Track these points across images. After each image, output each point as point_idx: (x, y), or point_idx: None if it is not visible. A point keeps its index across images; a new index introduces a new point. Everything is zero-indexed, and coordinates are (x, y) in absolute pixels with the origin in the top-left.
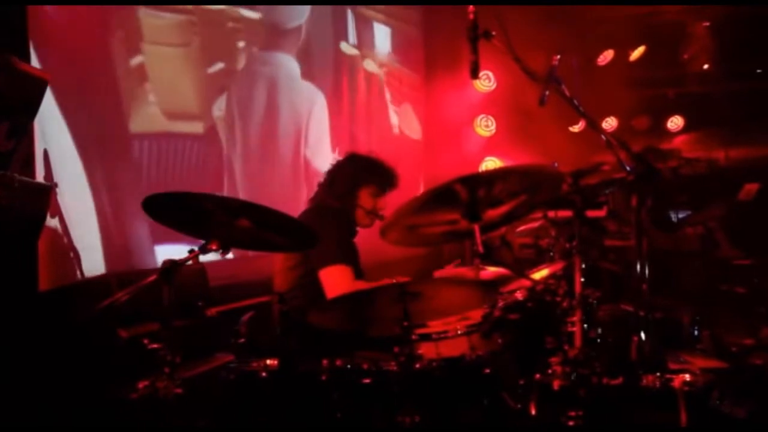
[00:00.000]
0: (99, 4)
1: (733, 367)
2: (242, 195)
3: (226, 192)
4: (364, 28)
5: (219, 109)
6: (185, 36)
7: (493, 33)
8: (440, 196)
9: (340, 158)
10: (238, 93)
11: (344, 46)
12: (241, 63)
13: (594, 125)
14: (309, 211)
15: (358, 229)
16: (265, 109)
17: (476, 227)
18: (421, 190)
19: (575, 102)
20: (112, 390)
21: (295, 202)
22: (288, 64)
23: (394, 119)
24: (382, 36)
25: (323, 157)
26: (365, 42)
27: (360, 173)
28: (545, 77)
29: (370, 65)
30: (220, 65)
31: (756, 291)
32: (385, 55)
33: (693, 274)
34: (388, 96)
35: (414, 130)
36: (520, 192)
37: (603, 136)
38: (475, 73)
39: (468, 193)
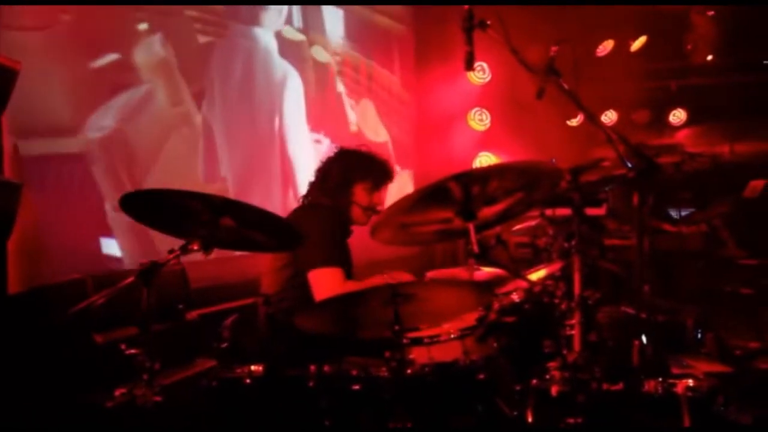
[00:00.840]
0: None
1: (738, 372)
2: (222, 167)
3: (201, 162)
4: (311, 11)
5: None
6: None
7: (489, 23)
8: (433, 194)
9: (330, 154)
10: (215, 64)
11: (287, 31)
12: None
13: (593, 119)
14: (300, 210)
15: (353, 228)
16: (241, 81)
17: (471, 226)
18: (412, 186)
19: (575, 95)
20: (87, 398)
21: (269, 174)
22: (265, 38)
23: (351, 115)
24: (334, 20)
25: (300, 135)
26: (313, 26)
27: (353, 168)
28: (543, 69)
29: (319, 53)
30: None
31: (762, 292)
32: (338, 43)
33: (696, 274)
34: (342, 88)
35: (375, 131)
36: (516, 189)
37: (603, 131)
38: (470, 65)
39: (462, 191)
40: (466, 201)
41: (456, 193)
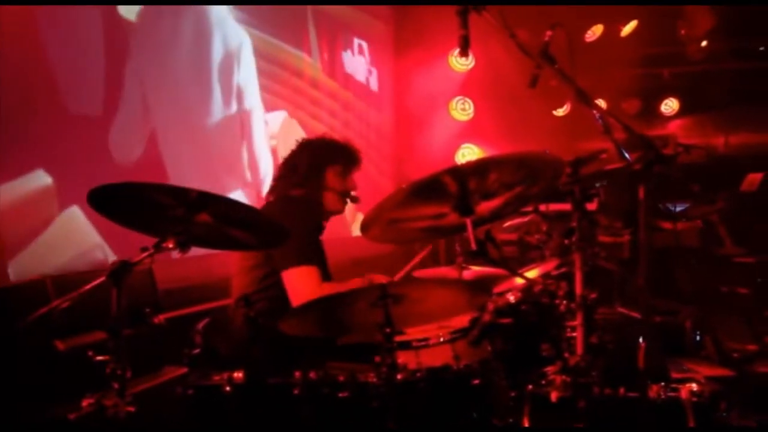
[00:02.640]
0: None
1: (739, 376)
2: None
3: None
4: None
5: None
6: None
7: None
8: (426, 188)
9: (293, 147)
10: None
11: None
12: None
13: (597, 108)
14: (271, 205)
15: (325, 224)
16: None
17: (468, 221)
18: (392, 178)
19: (575, 83)
20: (49, 410)
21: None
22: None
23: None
24: None
25: (254, 102)
26: None
27: (321, 154)
28: (538, 55)
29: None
30: None
31: (759, 292)
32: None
33: (691, 272)
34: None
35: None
36: (515, 183)
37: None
38: (465, 50)
39: (458, 185)
40: (462, 195)
41: (451, 187)
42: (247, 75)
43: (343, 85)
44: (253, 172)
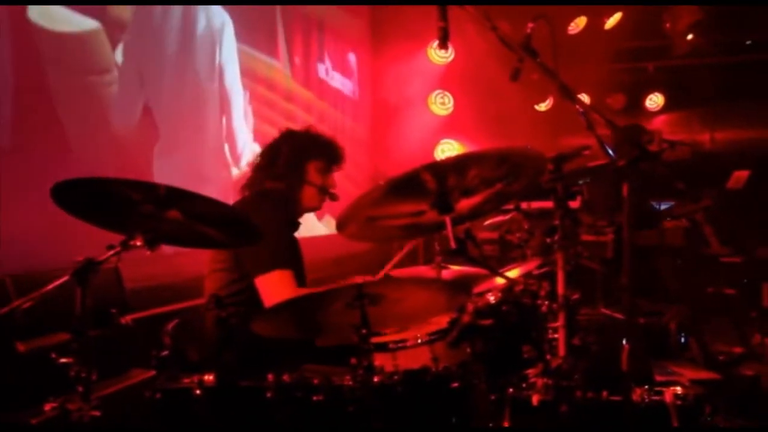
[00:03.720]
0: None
1: (724, 379)
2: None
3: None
4: None
5: None
6: None
7: None
8: (404, 185)
9: (275, 137)
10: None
11: None
12: None
13: (580, 103)
14: (244, 201)
15: (300, 220)
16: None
17: (447, 219)
18: (368, 175)
19: (558, 77)
20: (12, 414)
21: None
22: None
23: None
24: None
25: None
26: None
27: (306, 147)
28: (520, 48)
29: None
30: None
31: (746, 293)
32: None
33: (677, 273)
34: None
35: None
36: (496, 179)
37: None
38: (444, 42)
39: (437, 181)
40: (442, 192)
41: (430, 184)
42: (228, 55)
43: (317, 80)
44: (232, 148)
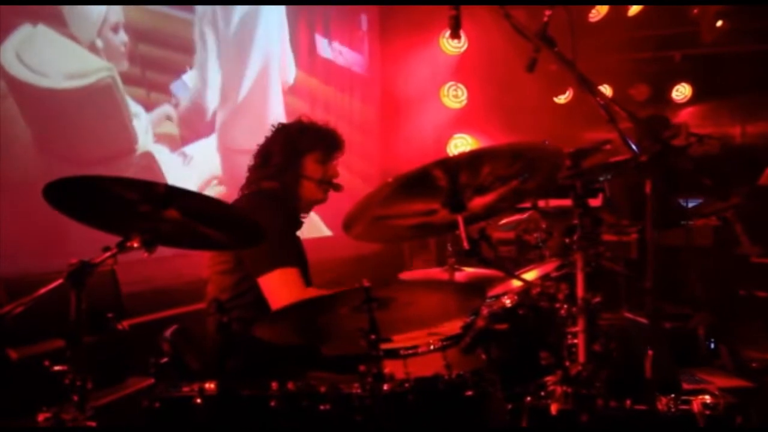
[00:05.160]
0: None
1: (757, 387)
2: None
3: None
4: None
5: None
6: None
7: None
8: (414, 182)
9: (268, 133)
10: None
11: None
12: None
13: (599, 96)
14: (242, 200)
15: (305, 217)
16: None
17: (460, 218)
18: (378, 172)
19: (575, 68)
20: (4, 424)
21: None
22: None
23: None
24: None
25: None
26: None
27: (298, 140)
28: (536, 37)
29: None
30: None
31: None
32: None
33: (706, 275)
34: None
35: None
36: (511, 176)
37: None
38: (456, 31)
39: (448, 179)
40: (453, 190)
41: (441, 182)
42: None
43: (324, 72)
44: None
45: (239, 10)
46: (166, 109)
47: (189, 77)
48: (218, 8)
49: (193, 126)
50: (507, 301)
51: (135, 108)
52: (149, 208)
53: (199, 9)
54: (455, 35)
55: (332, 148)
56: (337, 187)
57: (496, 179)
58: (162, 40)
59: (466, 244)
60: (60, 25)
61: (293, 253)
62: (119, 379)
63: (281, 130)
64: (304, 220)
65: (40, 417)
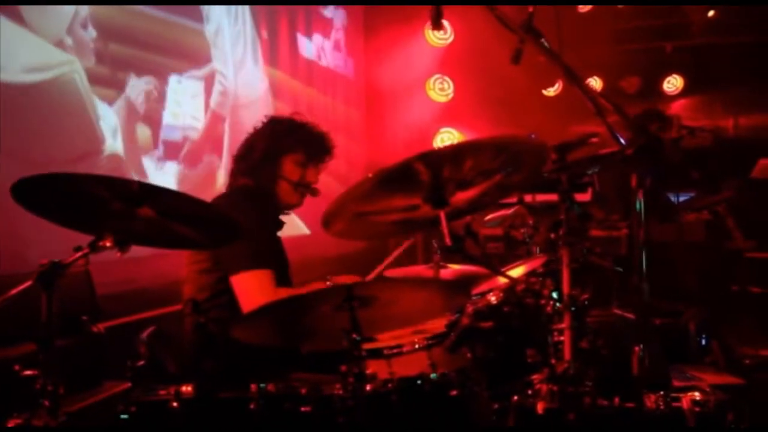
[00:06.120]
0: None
1: (749, 384)
2: None
3: None
4: None
5: None
6: None
7: None
8: (394, 177)
9: (258, 125)
10: None
11: None
12: None
13: (583, 87)
14: (221, 198)
15: (284, 218)
16: None
17: (442, 214)
18: (363, 167)
19: (560, 59)
20: None
21: None
22: None
23: None
24: None
25: None
26: None
27: (282, 138)
28: (521, 28)
29: None
30: None
31: None
32: None
33: (698, 270)
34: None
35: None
36: (494, 171)
37: (593, 102)
38: (437, 21)
39: (430, 173)
40: (435, 185)
41: (423, 176)
42: None
43: (306, 66)
44: None
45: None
46: (138, 110)
47: (164, 78)
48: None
49: (166, 129)
50: (492, 299)
51: (102, 108)
52: (122, 207)
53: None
54: (437, 26)
55: (316, 152)
56: (314, 192)
57: (479, 173)
58: (135, 39)
59: (448, 240)
60: (20, 19)
61: (267, 254)
62: (95, 383)
63: (270, 125)
64: (284, 220)
65: (11, 423)
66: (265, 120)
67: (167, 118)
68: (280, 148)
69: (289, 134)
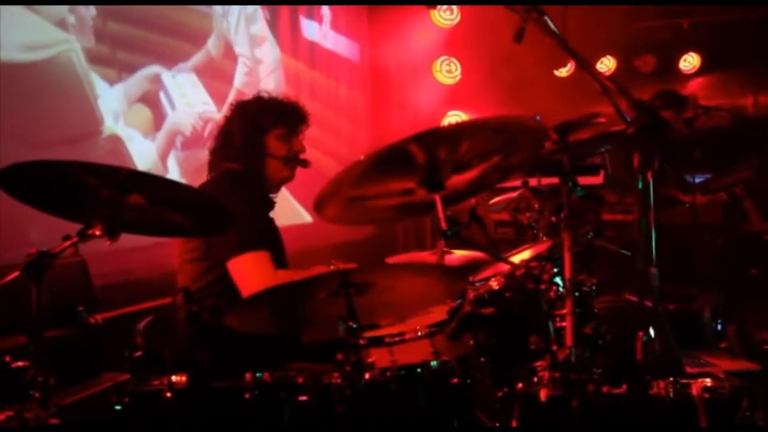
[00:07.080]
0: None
1: (766, 370)
2: None
3: None
4: None
5: None
6: None
7: None
8: (389, 160)
9: (226, 112)
10: None
11: None
12: None
13: (585, 66)
14: (209, 184)
15: (275, 197)
16: None
17: (437, 198)
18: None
19: (561, 37)
20: None
21: None
22: None
23: None
24: None
25: None
26: None
27: (258, 117)
28: (522, 8)
29: None
30: None
31: None
32: None
33: (713, 253)
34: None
35: None
36: (492, 152)
37: (596, 79)
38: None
39: (426, 155)
40: (430, 167)
41: (418, 158)
42: None
43: (308, 47)
44: None
45: None
46: (138, 91)
47: (166, 59)
48: None
49: (166, 111)
50: (494, 284)
51: (101, 88)
52: (111, 194)
53: None
54: (433, 4)
55: (295, 122)
56: (305, 163)
57: (477, 155)
58: (136, 19)
59: (443, 225)
60: None
61: (263, 236)
62: (93, 375)
63: (240, 108)
64: (275, 199)
65: (2, 416)
66: (232, 106)
67: (178, 102)
68: (260, 128)
69: (263, 112)
